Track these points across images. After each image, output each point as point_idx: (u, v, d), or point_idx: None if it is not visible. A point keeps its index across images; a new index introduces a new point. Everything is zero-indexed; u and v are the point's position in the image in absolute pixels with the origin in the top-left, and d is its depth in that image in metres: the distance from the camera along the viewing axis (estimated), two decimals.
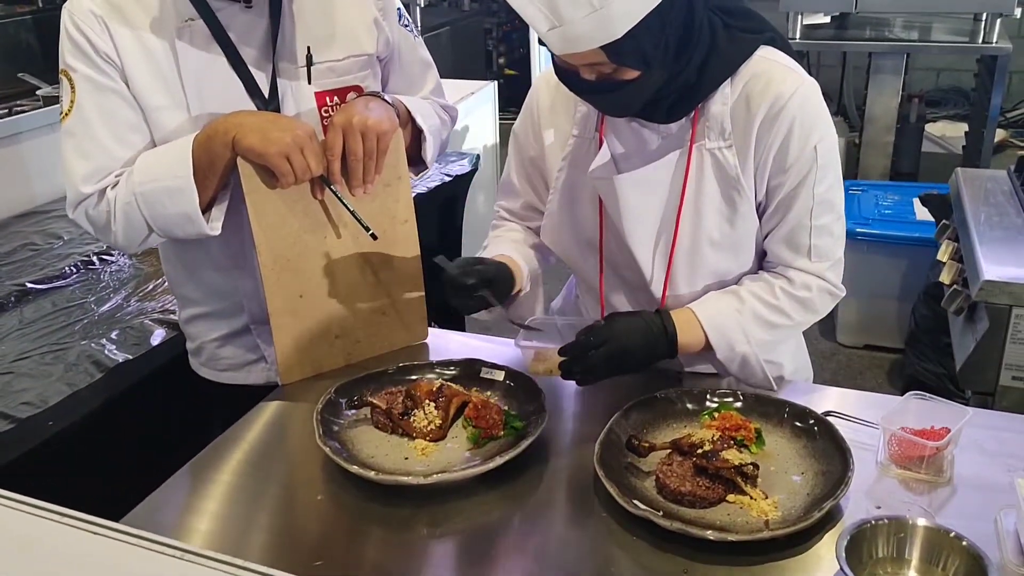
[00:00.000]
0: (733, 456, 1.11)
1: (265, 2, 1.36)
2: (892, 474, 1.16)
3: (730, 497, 1.10)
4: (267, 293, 1.36)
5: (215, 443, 1.29)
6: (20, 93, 3.45)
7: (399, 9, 1.52)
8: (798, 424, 1.22)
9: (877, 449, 1.19)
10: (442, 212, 2.85)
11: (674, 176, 1.30)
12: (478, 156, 2.97)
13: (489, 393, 1.34)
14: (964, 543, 0.95)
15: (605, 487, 1.09)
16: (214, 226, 1.32)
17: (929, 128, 5.29)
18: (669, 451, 1.16)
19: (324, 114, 1.42)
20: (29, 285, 2.04)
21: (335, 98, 1.42)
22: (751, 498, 1.09)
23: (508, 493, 1.16)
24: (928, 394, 1.22)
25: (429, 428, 1.24)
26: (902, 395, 1.23)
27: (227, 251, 1.43)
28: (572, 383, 1.30)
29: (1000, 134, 5.34)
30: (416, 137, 1.47)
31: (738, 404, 1.27)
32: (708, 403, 1.27)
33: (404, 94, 1.52)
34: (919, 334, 2.91)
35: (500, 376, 1.36)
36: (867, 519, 0.99)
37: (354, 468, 1.15)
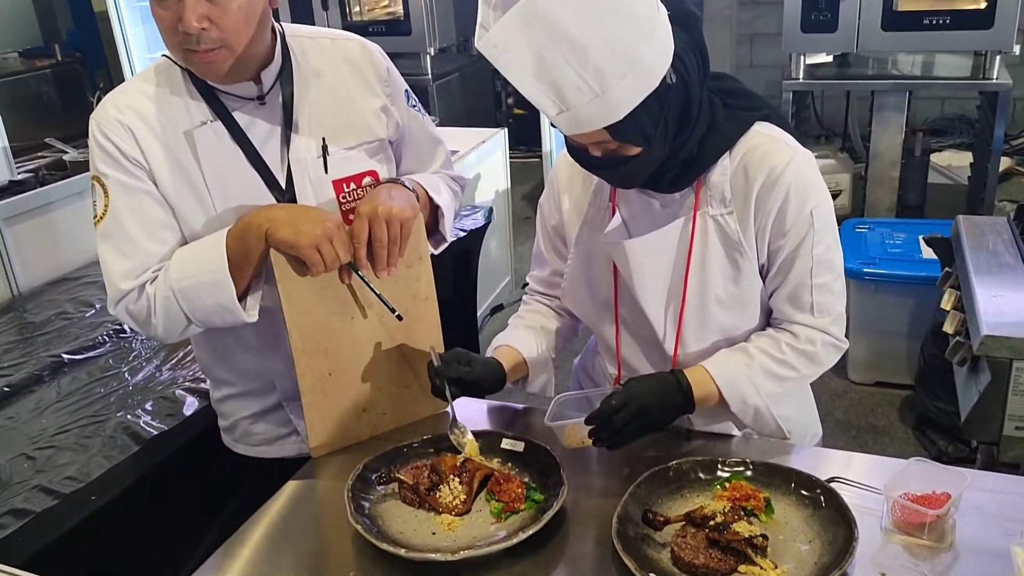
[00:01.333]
0: (743, 528, 1.18)
1: (278, 98, 1.44)
2: (896, 540, 1.22)
3: (742, 568, 1.16)
4: (299, 374, 1.44)
5: (249, 521, 1.36)
6: (46, 156, 3.58)
7: (406, 91, 1.60)
8: (805, 493, 1.28)
9: (881, 515, 1.25)
10: (457, 265, 2.93)
11: (680, 240, 1.40)
12: (491, 209, 3.06)
13: (510, 464, 1.41)
14: None
15: (623, 560, 1.16)
16: (251, 314, 1.40)
17: (935, 158, 5.36)
18: (683, 523, 1.22)
19: (342, 200, 1.50)
20: (65, 356, 2.12)
21: (352, 184, 1.50)
22: (761, 568, 1.15)
23: (532, 565, 1.22)
24: (928, 460, 1.28)
25: (455, 503, 1.31)
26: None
27: (259, 335, 1.51)
28: (593, 451, 1.38)
29: (1005, 162, 5.40)
30: (434, 212, 1.56)
31: (748, 473, 1.33)
32: (720, 472, 1.33)
33: (416, 171, 1.61)
34: (928, 372, 2.96)
35: (520, 447, 1.43)
36: None
37: (384, 545, 1.22)
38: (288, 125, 1.45)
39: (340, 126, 1.49)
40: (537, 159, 5.30)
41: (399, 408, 1.56)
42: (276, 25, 1.46)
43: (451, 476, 1.34)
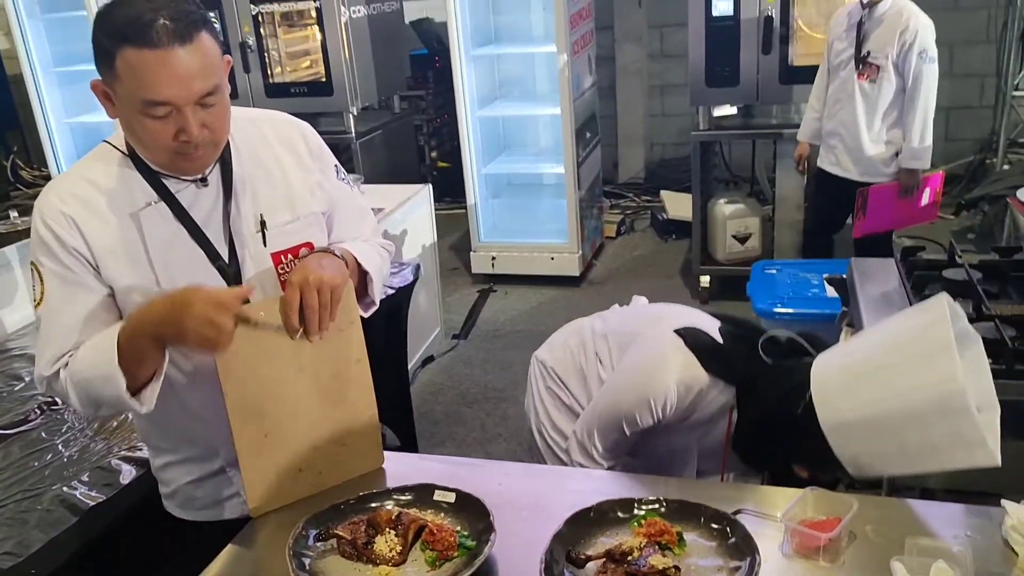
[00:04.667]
0: (658, 561, 1.29)
1: (218, 180, 1.53)
2: (796, 563, 1.35)
3: None
4: (235, 437, 1.50)
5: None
6: None
7: (335, 166, 1.70)
8: (713, 525, 1.41)
9: (782, 542, 1.38)
10: (388, 322, 3.02)
11: None
12: (418, 265, 3.15)
13: (443, 515, 1.49)
14: None
15: None
16: (146, 406, 1.45)
17: None
18: (604, 560, 1.33)
19: (280, 270, 1.58)
20: None
21: (289, 256, 1.59)
22: None
23: None
24: (821, 489, 1.42)
25: (391, 555, 1.39)
26: None
27: (200, 402, 1.57)
28: (522, 498, 1.53)
29: None
30: (363, 278, 1.65)
31: (662, 510, 1.44)
32: (636, 511, 1.45)
33: (346, 239, 1.70)
34: None
35: (451, 498, 1.52)
36: None
37: None
38: (228, 203, 1.54)
39: (276, 202, 1.58)
40: (462, 210, 5.44)
41: (335, 467, 1.63)
42: None
43: (387, 528, 1.42)
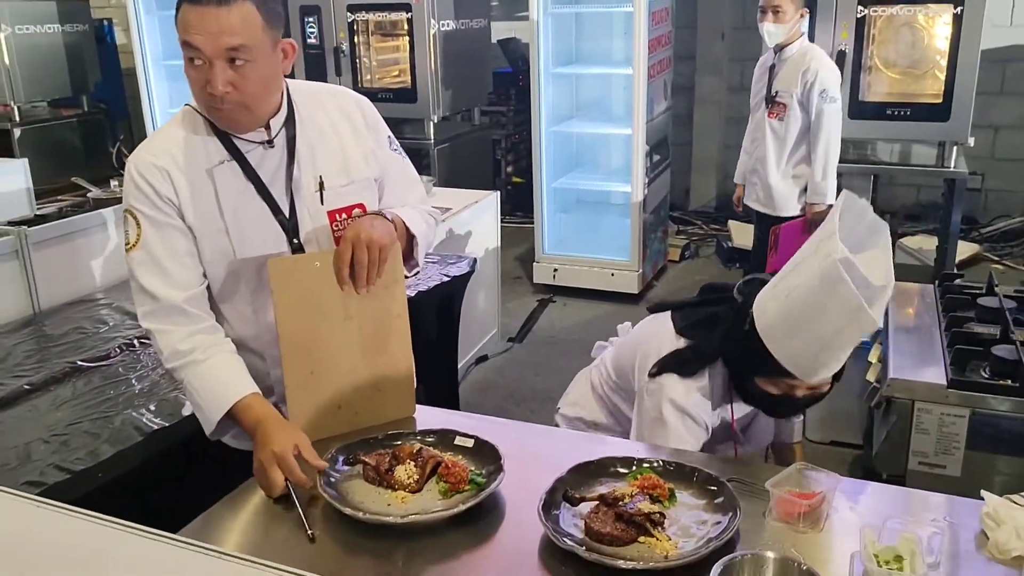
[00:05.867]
0: (645, 506, 1.41)
1: (283, 144, 1.72)
2: (776, 526, 1.45)
3: (641, 538, 1.39)
4: (285, 371, 1.69)
5: (241, 488, 1.60)
6: (71, 193, 3.88)
7: (389, 137, 1.87)
8: (705, 487, 1.52)
9: (767, 509, 1.49)
10: (440, 308, 3.19)
11: None
12: (475, 259, 3.32)
13: (460, 457, 1.64)
14: (805, 567, 1.24)
15: (544, 529, 1.39)
16: (213, 437, 1.70)
17: (908, 241, 5.67)
18: (597, 503, 1.46)
19: (335, 228, 1.76)
20: (80, 363, 2.37)
21: (343, 215, 1.77)
22: (657, 539, 1.38)
23: (470, 532, 1.46)
24: (812, 465, 1.52)
25: (408, 481, 1.55)
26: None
27: (263, 347, 1.77)
28: (535, 453, 1.69)
29: (973, 248, 5.71)
30: (410, 241, 1.81)
31: (659, 468, 1.56)
32: (634, 467, 1.57)
33: (396, 204, 1.86)
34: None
35: (470, 443, 1.67)
36: (736, 554, 1.28)
37: (347, 509, 1.46)
38: (291, 165, 1.72)
39: (333, 166, 1.76)
40: (531, 224, 5.61)
41: (370, 409, 1.80)
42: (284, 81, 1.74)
43: (407, 460, 1.58)
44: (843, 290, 1.52)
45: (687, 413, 1.84)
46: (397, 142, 1.91)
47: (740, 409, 1.90)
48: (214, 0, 1.52)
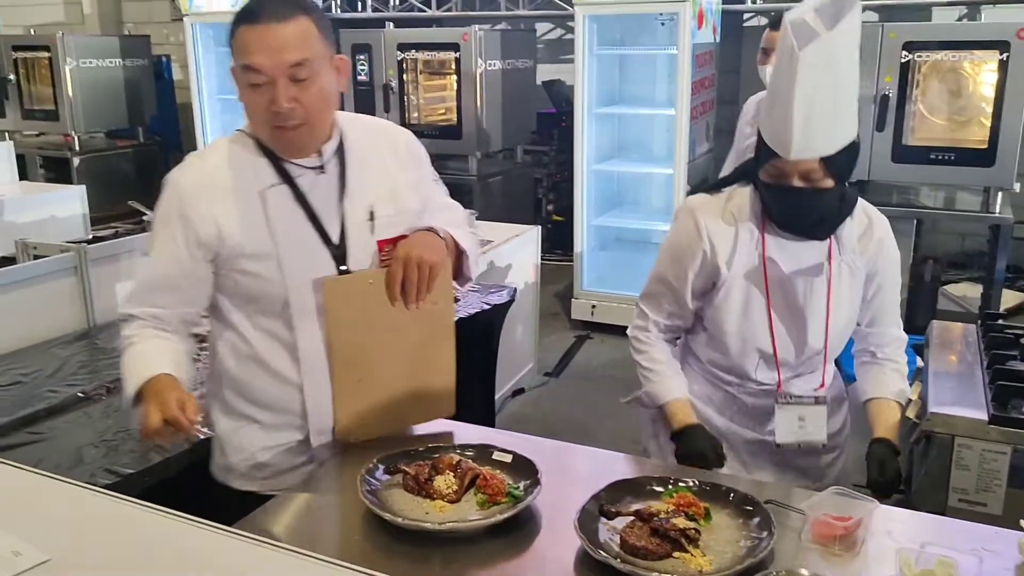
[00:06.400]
0: (680, 522, 1.43)
1: (335, 169, 1.73)
2: (812, 549, 1.46)
3: (676, 553, 1.41)
4: (334, 378, 1.74)
5: (286, 493, 1.65)
6: (125, 219, 4.03)
7: (430, 170, 1.93)
8: (741, 506, 1.53)
9: (802, 530, 1.49)
10: (480, 337, 3.23)
11: (823, 273, 1.88)
12: (515, 289, 3.37)
13: (498, 471, 1.67)
14: None
15: (580, 541, 1.41)
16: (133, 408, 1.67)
17: (951, 288, 5.60)
18: (632, 518, 1.47)
19: (382, 256, 1.76)
20: None
21: (390, 245, 1.76)
22: (691, 555, 1.40)
23: (506, 543, 1.48)
24: (848, 489, 1.53)
25: (447, 492, 1.58)
26: None
27: (284, 368, 1.75)
28: (572, 468, 1.75)
29: (1020, 297, 5.62)
30: (459, 256, 1.84)
31: (695, 488, 1.58)
32: (670, 486, 1.59)
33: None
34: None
35: (508, 459, 1.70)
36: (770, 570, 1.29)
37: (386, 515, 1.49)
38: (342, 192, 1.73)
39: (383, 196, 1.77)
40: (571, 262, 5.66)
41: (410, 414, 1.86)
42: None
43: (446, 471, 1.61)
44: (785, 38, 1.66)
45: (693, 216, 1.93)
46: (436, 173, 1.95)
47: (777, 248, 1.88)
48: (273, 17, 1.56)
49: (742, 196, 1.92)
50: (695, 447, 1.89)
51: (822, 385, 1.99)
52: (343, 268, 1.73)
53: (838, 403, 2.09)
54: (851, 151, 1.75)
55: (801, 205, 1.79)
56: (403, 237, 1.76)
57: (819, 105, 1.67)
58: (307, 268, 1.70)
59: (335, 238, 1.73)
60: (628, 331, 2.10)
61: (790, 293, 1.89)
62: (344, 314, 1.71)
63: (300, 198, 1.71)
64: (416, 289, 1.69)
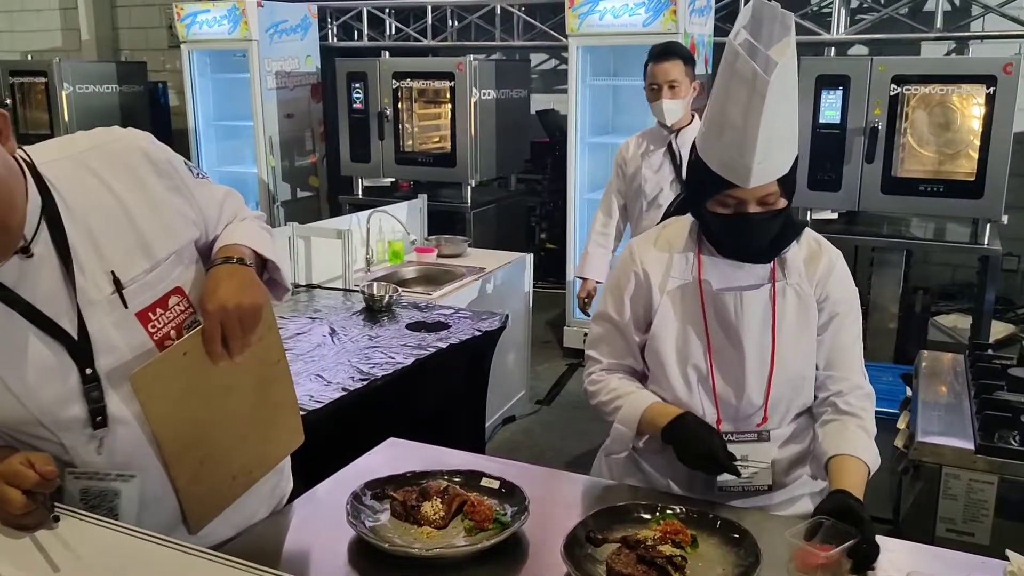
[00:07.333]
0: (667, 549, 1.43)
1: (48, 245, 1.28)
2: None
3: None
4: (172, 475, 1.41)
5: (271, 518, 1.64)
6: None
7: (186, 164, 1.46)
8: (728, 534, 1.53)
9: (788, 559, 1.49)
10: (471, 363, 3.23)
11: (767, 300, 1.76)
12: (507, 315, 3.38)
13: (486, 497, 1.67)
14: None
15: (566, 568, 1.41)
16: None
17: (942, 319, 5.62)
18: (619, 545, 1.47)
19: (152, 330, 1.37)
20: None
21: (158, 310, 1.38)
22: None
23: (492, 570, 1.48)
24: (829, 518, 1.53)
25: (434, 517, 1.57)
26: None
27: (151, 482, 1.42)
28: (559, 496, 1.69)
29: (1010, 329, 5.64)
30: (265, 265, 1.52)
31: (681, 515, 1.58)
32: (657, 513, 1.59)
33: (222, 229, 1.53)
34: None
35: (496, 485, 1.69)
36: None
37: (373, 540, 1.49)
38: (67, 268, 1.30)
39: (127, 251, 1.35)
40: (562, 291, 5.67)
41: (264, 462, 1.61)
42: (21, 154, 1.28)
43: (434, 497, 1.61)
44: (740, 64, 1.57)
45: (628, 248, 1.89)
46: (195, 166, 1.53)
47: (714, 270, 1.79)
48: None
49: (678, 224, 1.86)
50: (695, 444, 1.70)
51: (764, 419, 1.78)
52: (89, 371, 1.32)
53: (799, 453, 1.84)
54: (795, 167, 1.69)
55: (755, 231, 1.70)
56: (174, 293, 1.41)
57: (778, 128, 1.61)
58: (44, 381, 1.30)
59: (72, 332, 1.31)
60: (583, 387, 1.97)
61: (723, 310, 1.75)
62: (165, 404, 1.38)
63: (8, 298, 1.27)
64: (241, 341, 1.38)
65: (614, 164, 3.68)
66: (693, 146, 1.75)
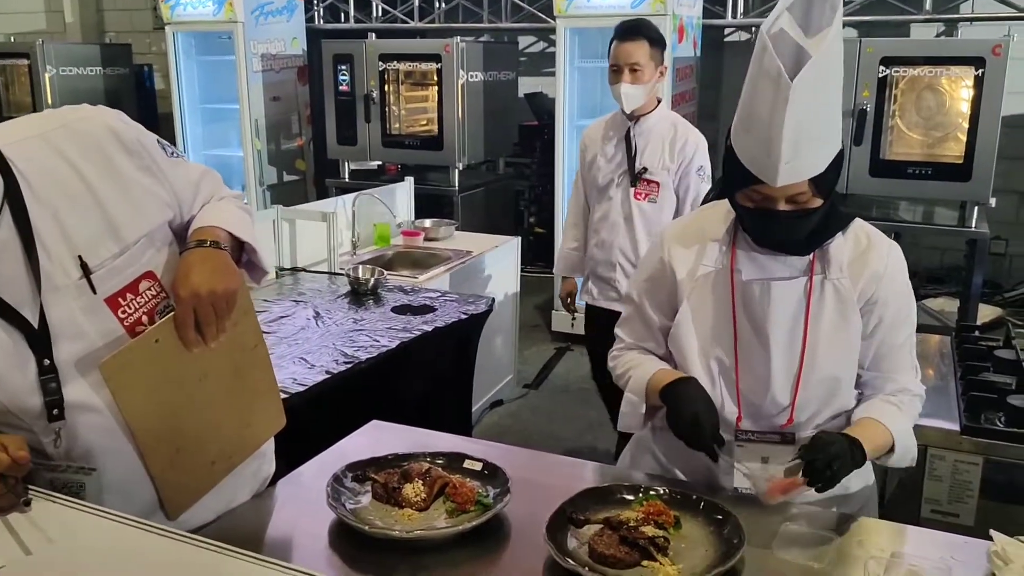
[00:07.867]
0: (649, 530, 1.42)
1: (11, 227, 1.22)
2: (784, 560, 1.44)
3: (644, 562, 1.39)
4: (148, 464, 1.39)
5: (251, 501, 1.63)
6: None
7: (159, 143, 1.41)
8: (709, 515, 1.52)
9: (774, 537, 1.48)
10: (458, 346, 3.22)
11: (801, 294, 1.65)
12: (493, 299, 3.36)
13: (469, 479, 1.65)
14: None
15: (548, 549, 1.40)
16: None
17: (930, 303, 5.64)
18: (602, 526, 1.46)
19: (122, 316, 1.33)
20: None
21: (128, 295, 1.34)
22: (660, 563, 1.38)
23: (474, 552, 1.46)
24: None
25: (416, 499, 1.56)
26: None
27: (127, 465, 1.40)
28: (542, 481, 1.67)
29: (997, 312, 5.66)
30: (242, 248, 1.48)
31: (664, 496, 1.57)
32: (640, 494, 1.58)
33: (197, 210, 1.48)
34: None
35: (478, 467, 1.68)
36: None
37: (354, 523, 1.47)
38: (31, 254, 1.24)
39: (96, 234, 1.29)
40: (551, 275, 5.65)
41: (243, 447, 1.58)
42: None
43: (416, 479, 1.59)
44: (767, 60, 1.46)
45: (660, 235, 1.83)
46: (169, 144, 1.46)
47: (749, 260, 1.69)
48: None
49: (714, 211, 1.77)
50: (683, 408, 1.63)
51: (790, 420, 1.68)
52: (47, 362, 1.27)
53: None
54: (837, 164, 1.57)
55: (787, 228, 1.59)
56: (146, 277, 1.37)
57: (807, 128, 1.47)
58: (5, 369, 1.26)
59: (34, 320, 1.26)
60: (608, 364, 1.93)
61: (751, 301, 1.67)
62: (138, 393, 1.34)
63: None
64: (215, 327, 1.36)
65: (579, 147, 3.43)
66: (728, 133, 1.63)
